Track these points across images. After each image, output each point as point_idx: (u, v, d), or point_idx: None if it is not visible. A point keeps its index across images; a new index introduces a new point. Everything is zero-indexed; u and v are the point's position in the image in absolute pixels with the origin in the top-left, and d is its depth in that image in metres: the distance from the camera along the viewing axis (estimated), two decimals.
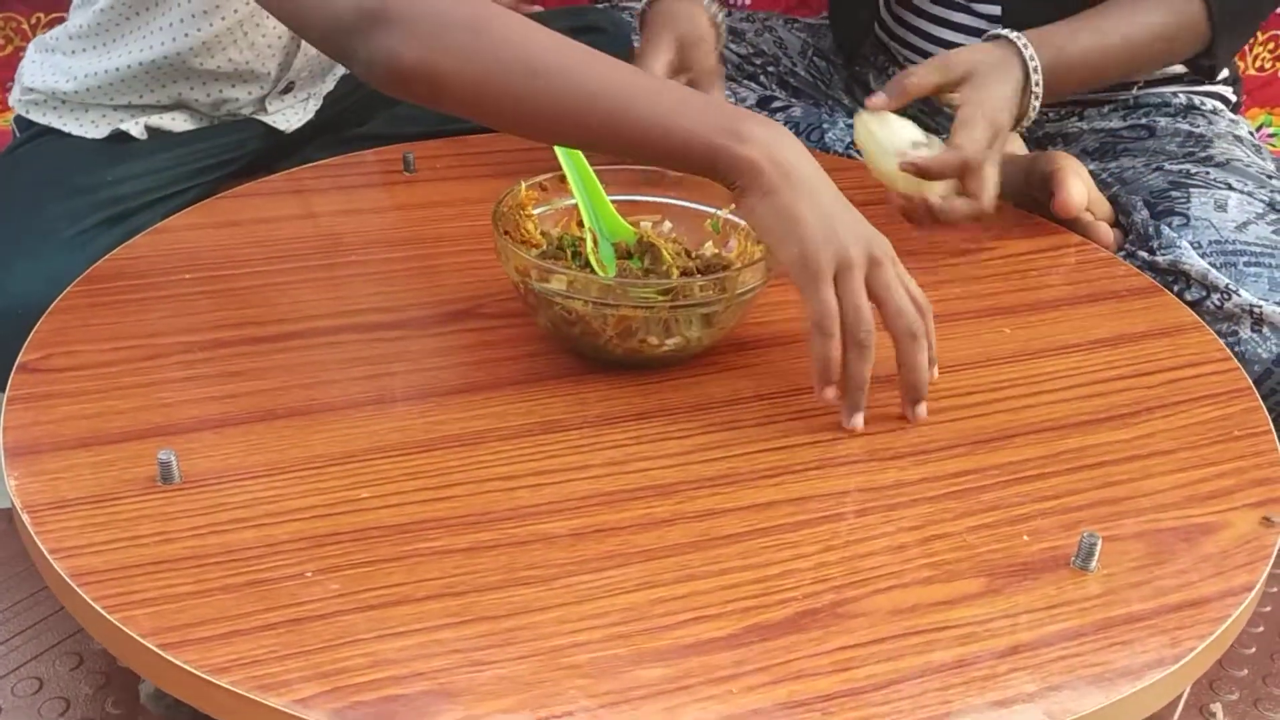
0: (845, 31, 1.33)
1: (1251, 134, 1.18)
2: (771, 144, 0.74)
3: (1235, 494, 0.70)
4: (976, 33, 1.18)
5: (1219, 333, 0.93)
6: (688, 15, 1.07)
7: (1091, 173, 1.10)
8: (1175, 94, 1.18)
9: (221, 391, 0.75)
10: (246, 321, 0.82)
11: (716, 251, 0.85)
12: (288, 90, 1.16)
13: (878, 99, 0.96)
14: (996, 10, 1.16)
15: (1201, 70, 1.16)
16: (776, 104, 1.24)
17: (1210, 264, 0.95)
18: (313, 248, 0.93)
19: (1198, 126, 1.14)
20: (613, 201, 0.85)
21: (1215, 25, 1.07)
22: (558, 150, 0.85)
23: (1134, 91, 1.20)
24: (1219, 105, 1.18)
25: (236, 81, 1.12)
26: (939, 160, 0.92)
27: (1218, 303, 0.94)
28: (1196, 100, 1.18)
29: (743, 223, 0.85)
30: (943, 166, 0.92)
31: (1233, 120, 1.17)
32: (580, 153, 0.85)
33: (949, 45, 1.21)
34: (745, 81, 1.28)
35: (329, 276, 0.89)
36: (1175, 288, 0.96)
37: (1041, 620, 0.60)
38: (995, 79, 0.98)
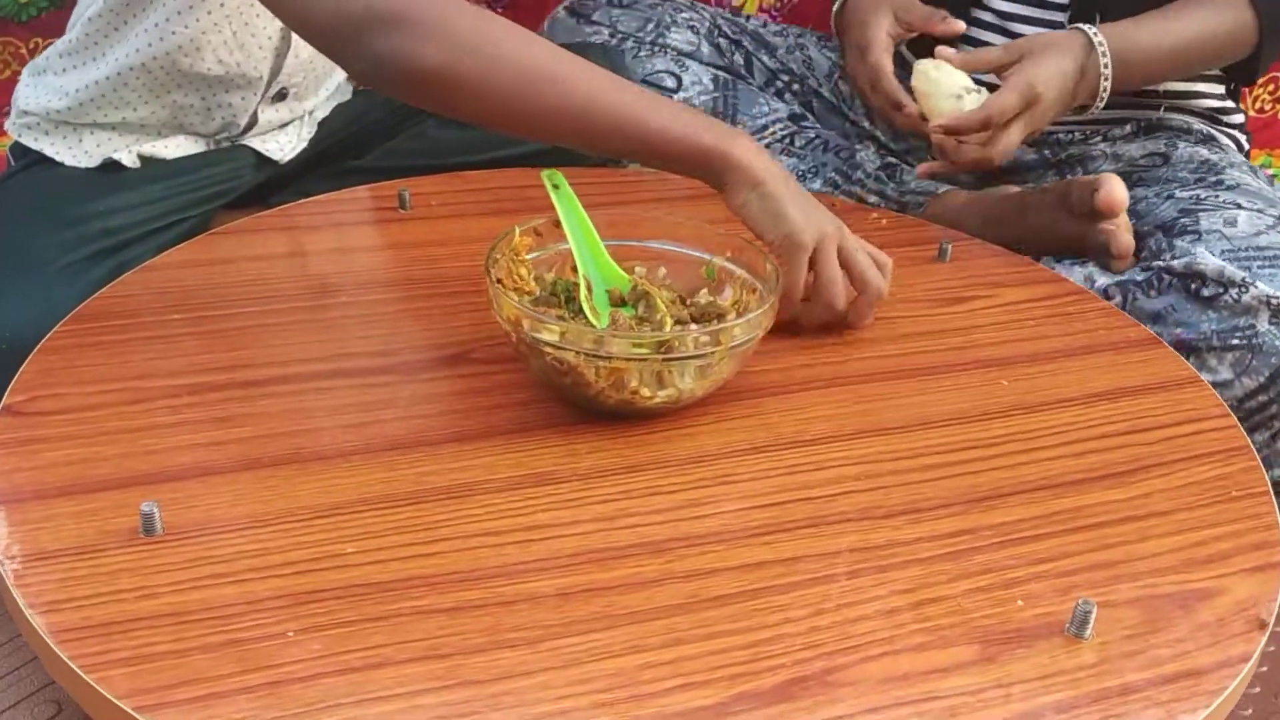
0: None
1: (1264, 170, 1.20)
2: (752, 149, 0.86)
3: (1233, 558, 0.69)
4: None
5: (1236, 327, 0.94)
6: None
7: None
8: (1195, 122, 1.20)
9: (207, 438, 0.74)
10: (235, 365, 0.81)
11: (711, 299, 0.85)
12: (281, 98, 1.15)
13: (949, 51, 1.12)
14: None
15: (1243, 76, 1.20)
16: (808, 121, 1.26)
17: (1224, 262, 0.96)
18: (304, 287, 0.92)
19: (1213, 154, 1.16)
20: (607, 246, 0.85)
21: (1263, 30, 1.11)
22: (553, 194, 0.84)
23: (1160, 113, 1.21)
24: (1237, 134, 1.21)
25: (229, 86, 1.11)
26: (965, 119, 1.07)
27: (1235, 296, 0.95)
28: (1214, 131, 1.20)
29: (738, 269, 0.84)
30: (967, 124, 1.07)
31: (1248, 153, 1.19)
32: (575, 197, 0.84)
33: None
34: (773, 96, 1.29)
35: (320, 318, 0.88)
36: (1192, 286, 0.97)
37: (1035, 690, 0.59)
38: (1050, 55, 1.08)
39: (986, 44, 1.28)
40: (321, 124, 1.24)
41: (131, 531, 0.65)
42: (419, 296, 0.92)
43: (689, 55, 1.27)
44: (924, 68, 1.13)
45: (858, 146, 1.23)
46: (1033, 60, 1.08)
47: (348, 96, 1.29)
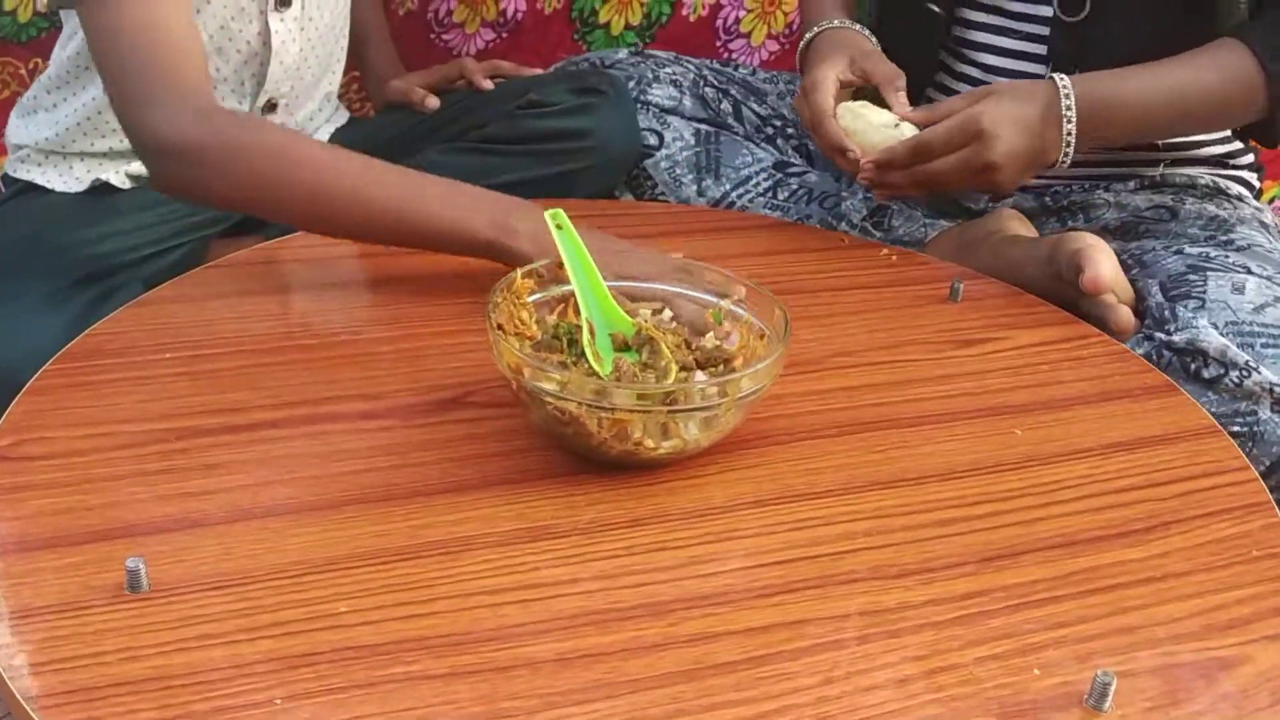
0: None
1: (1277, 222, 1.16)
2: (538, 232, 0.86)
3: (1254, 624, 0.67)
4: None
5: (1236, 412, 0.91)
6: (852, 37, 1.16)
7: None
8: (1201, 176, 1.16)
9: (197, 487, 0.71)
10: (227, 408, 0.79)
11: (718, 343, 0.82)
12: (271, 109, 1.13)
13: (910, 110, 1.08)
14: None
15: (1262, 138, 1.15)
16: (793, 169, 1.22)
17: (1228, 342, 0.93)
18: (298, 325, 0.90)
19: (1222, 209, 1.13)
20: (611, 288, 0.83)
21: (1272, 93, 1.04)
22: (556, 235, 0.82)
23: (1161, 170, 1.18)
24: (1244, 191, 1.17)
25: (214, 96, 1.09)
26: (896, 150, 1.04)
27: (1236, 380, 0.91)
28: (1223, 183, 1.16)
29: (745, 314, 0.82)
30: (899, 155, 1.04)
31: (1258, 207, 1.15)
32: (579, 238, 0.82)
33: None
34: (763, 144, 1.26)
35: (315, 358, 0.86)
36: (1193, 366, 0.94)
37: None
38: (1008, 98, 1.03)
39: None
40: None
41: (117, 587, 0.63)
42: (417, 335, 0.89)
43: (671, 111, 1.24)
44: (849, 106, 1.08)
45: (844, 194, 1.18)
46: (987, 99, 1.03)
47: (344, 121, 1.27)
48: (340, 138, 1.24)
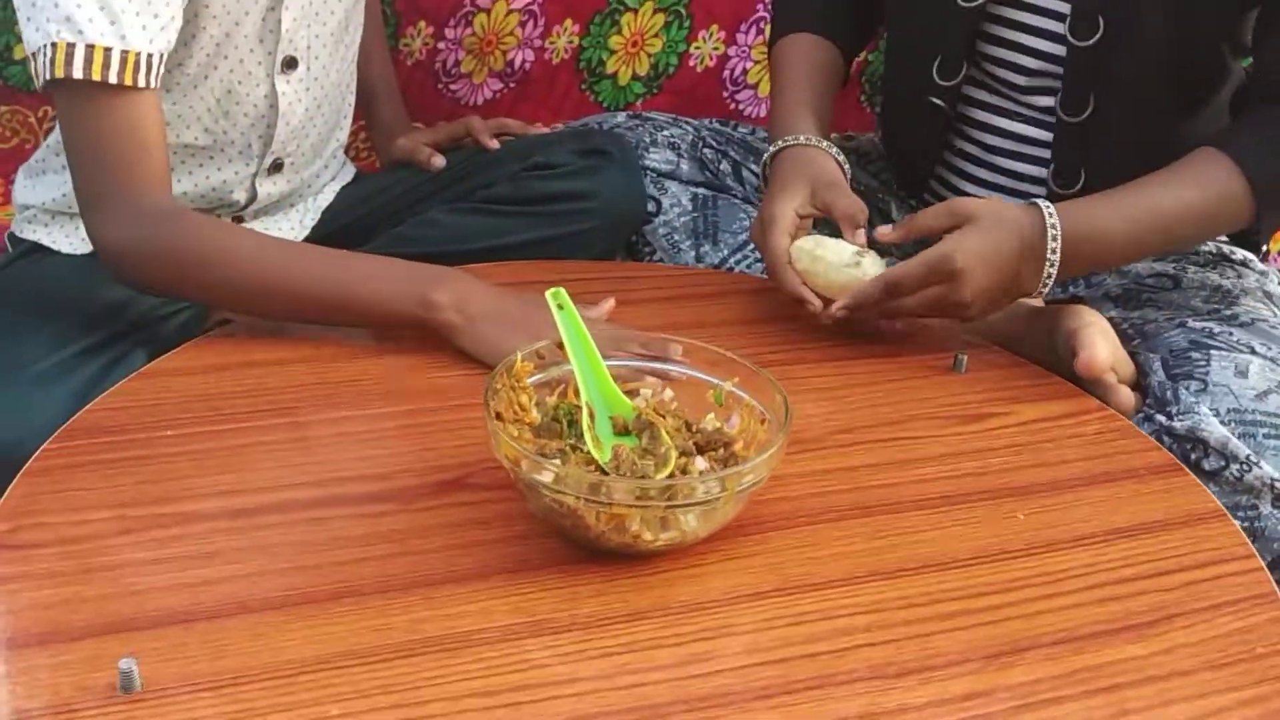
0: (910, 171, 1.30)
1: None
2: (459, 301, 0.93)
3: None
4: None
5: (1236, 505, 0.89)
6: (817, 160, 1.10)
7: (1113, 320, 1.07)
8: (1205, 244, 1.15)
9: (195, 576, 0.71)
10: (227, 489, 0.79)
11: (719, 425, 0.82)
12: (278, 169, 1.14)
13: (887, 231, 1.03)
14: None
15: (1248, 244, 1.13)
16: None
17: (1229, 433, 0.92)
18: (302, 398, 0.90)
19: (1226, 278, 1.11)
20: (612, 366, 0.82)
21: (1259, 201, 1.00)
22: (556, 315, 0.82)
23: None
24: (1250, 256, 1.16)
25: (219, 159, 1.10)
26: (863, 293, 0.98)
27: (1237, 474, 0.90)
28: (1226, 249, 1.15)
29: (746, 396, 0.82)
30: (866, 298, 0.98)
31: (1263, 273, 1.14)
32: (579, 318, 0.82)
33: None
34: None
35: (317, 435, 0.86)
36: (1193, 455, 0.93)
37: None
38: (986, 228, 0.97)
39: None
40: (326, 209, 1.22)
41: (110, 688, 0.62)
42: (421, 410, 0.89)
43: (668, 175, 1.24)
44: (804, 247, 1.01)
45: None
46: (964, 231, 0.97)
47: (350, 178, 1.27)
48: (346, 196, 1.24)
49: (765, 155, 1.15)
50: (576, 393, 0.81)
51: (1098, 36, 1.08)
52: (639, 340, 0.88)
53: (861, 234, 1.03)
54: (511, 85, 1.56)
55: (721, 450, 0.79)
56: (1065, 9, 1.10)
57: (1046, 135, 1.15)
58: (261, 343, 0.97)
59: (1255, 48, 1.10)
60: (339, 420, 0.87)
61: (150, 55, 0.92)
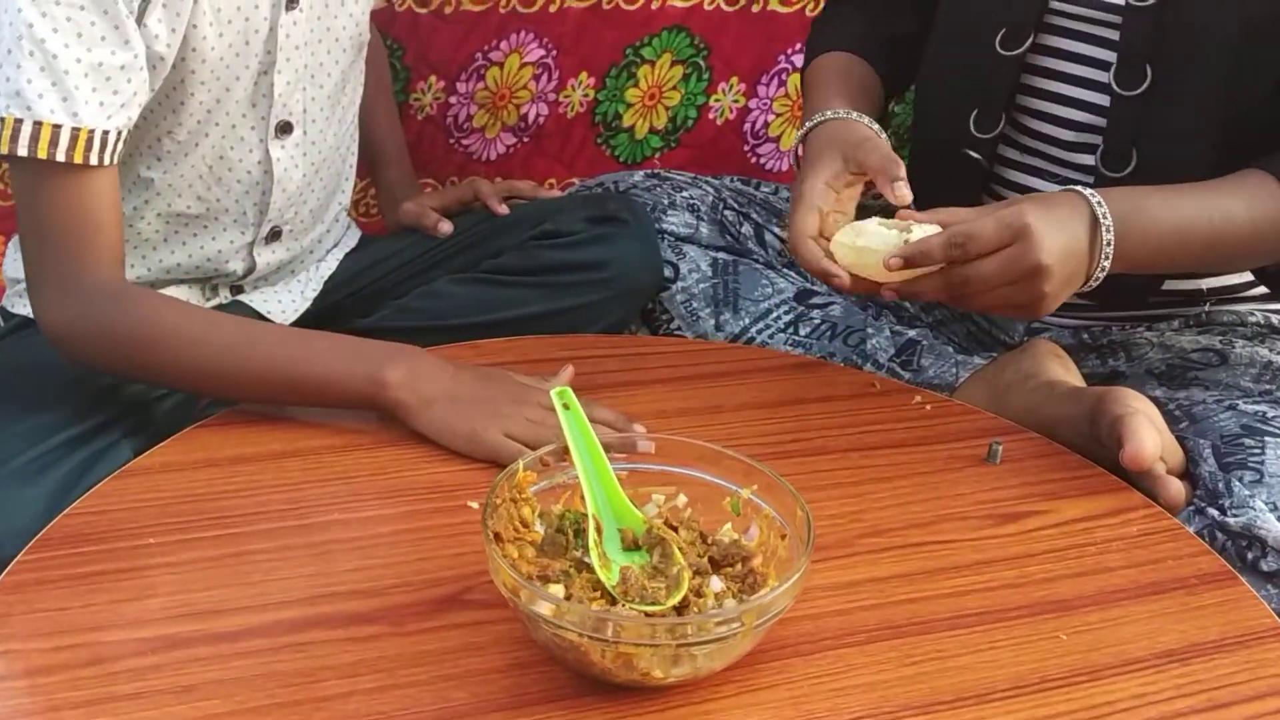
0: None
1: None
2: (411, 379, 0.90)
3: None
4: None
5: None
6: (846, 127, 1.06)
7: (1157, 400, 1.01)
8: (1251, 313, 1.09)
9: (169, 714, 0.66)
10: (209, 609, 0.73)
11: (736, 538, 0.76)
12: (276, 236, 1.09)
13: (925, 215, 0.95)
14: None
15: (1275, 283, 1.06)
16: (815, 299, 1.16)
17: None
18: (293, 499, 0.84)
19: (1276, 353, 1.05)
20: (623, 470, 0.77)
21: None
22: (561, 416, 0.77)
23: (1205, 307, 1.11)
24: None
25: (213, 228, 1.06)
26: (925, 244, 0.91)
27: None
28: (1275, 320, 1.08)
29: (765, 506, 0.76)
30: (929, 251, 0.91)
31: None
32: (586, 420, 0.77)
33: None
34: (786, 270, 1.20)
35: (307, 542, 0.80)
36: (1250, 555, 0.86)
37: None
38: (1048, 201, 0.94)
39: None
40: (330, 278, 1.17)
41: None
42: (419, 513, 0.84)
43: (687, 239, 1.19)
44: (843, 241, 0.95)
45: (870, 329, 1.11)
46: (1023, 202, 0.93)
47: (354, 243, 1.22)
48: (350, 264, 1.19)
49: (795, 140, 1.10)
50: (583, 500, 0.76)
51: (1145, 85, 1.03)
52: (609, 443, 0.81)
53: (904, 189, 0.95)
54: (525, 140, 1.52)
55: (739, 566, 0.73)
56: (1111, 57, 1.05)
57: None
58: (253, 431, 0.92)
59: None
60: (331, 525, 0.82)
61: (106, 133, 0.89)
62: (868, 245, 0.94)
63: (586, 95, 1.50)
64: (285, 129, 1.04)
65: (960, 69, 1.14)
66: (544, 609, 0.65)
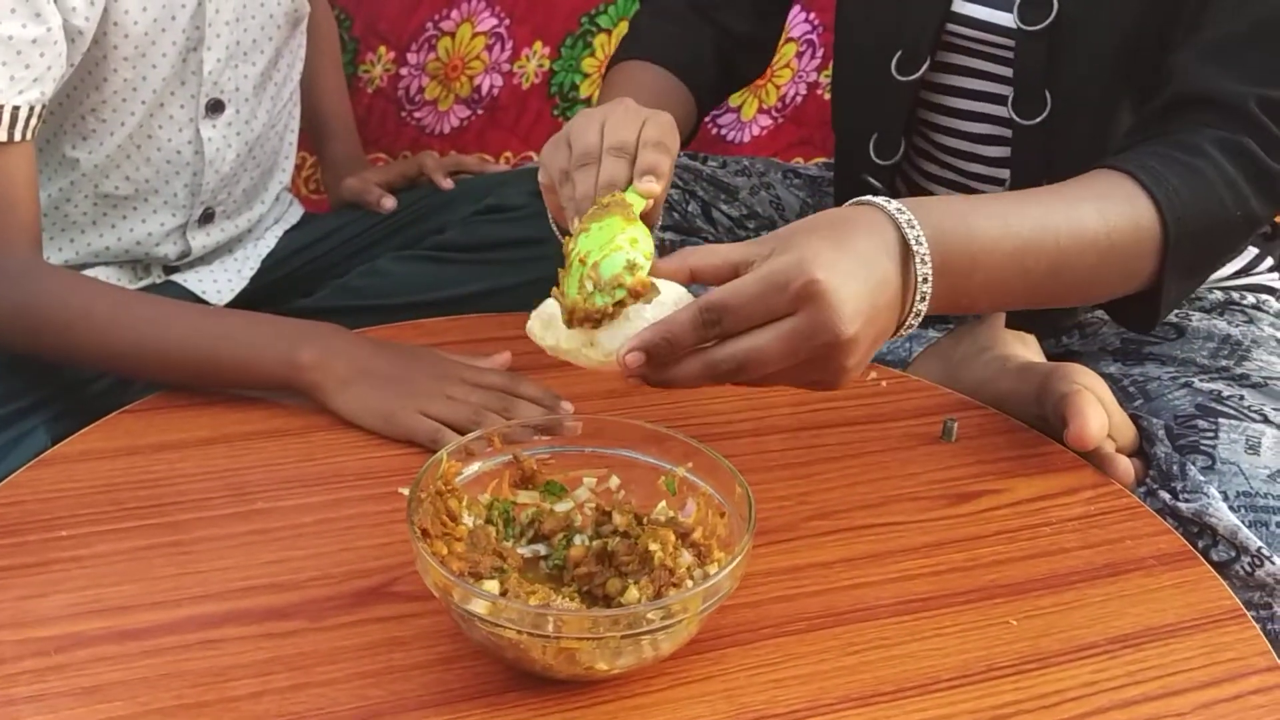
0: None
1: None
2: (325, 359, 0.86)
3: None
4: None
5: (1249, 603, 0.80)
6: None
7: (1112, 377, 0.98)
8: (1210, 290, 1.05)
9: (68, 719, 0.63)
10: (118, 605, 0.70)
11: (673, 515, 0.73)
12: (209, 219, 1.05)
13: (665, 262, 0.69)
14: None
15: (1132, 322, 0.88)
16: None
17: (1239, 519, 0.82)
18: (217, 487, 0.81)
19: (1235, 326, 1.01)
20: (550, 454, 0.74)
21: (1168, 236, 0.79)
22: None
23: None
24: (1263, 298, 1.05)
25: (143, 210, 1.02)
26: (669, 324, 0.64)
27: (1248, 568, 0.81)
28: (1235, 294, 1.05)
29: (702, 484, 0.73)
30: (677, 329, 0.64)
31: (1278, 315, 1.03)
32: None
33: None
34: None
35: (225, 534, 0.77)
36: (1200, 543, 0.83)
37: None
38: (834, 232, 0.67)
39: None
40: (268, 257, 1.14)
41: None
42: (346, 500, 0.80)
43: None
44: (533, 325, 0.72)
45: None
46: (814, 238, 0.66)
47: (295, 220, 1.18)
48: (290, 241, 1.16)
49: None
50: (513, 485, 0.73)
51: (1044, 114, 0.97)
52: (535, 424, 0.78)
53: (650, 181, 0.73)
54: (479, 112, 1.48)
55: (681, 541, 0.70)
56: (1009, 76, 0.98)
57: None
58: (181, 416, 0.88)
59: (1170, 52, 0.89)
60: (252, 515, 0.79)
61: (17, 108, 0.85)
62: (560, 345, 0.69)
63: (542, 66, 1.46)
64: (216, 108, 1.00)
65: (858, 94, 1.09)
66: (479, 607, 0.62)
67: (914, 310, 0.70)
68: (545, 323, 0.70)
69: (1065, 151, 0.97)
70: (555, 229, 0.86)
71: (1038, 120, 0.96)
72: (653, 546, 0.67)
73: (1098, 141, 0.95)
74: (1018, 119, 0.98)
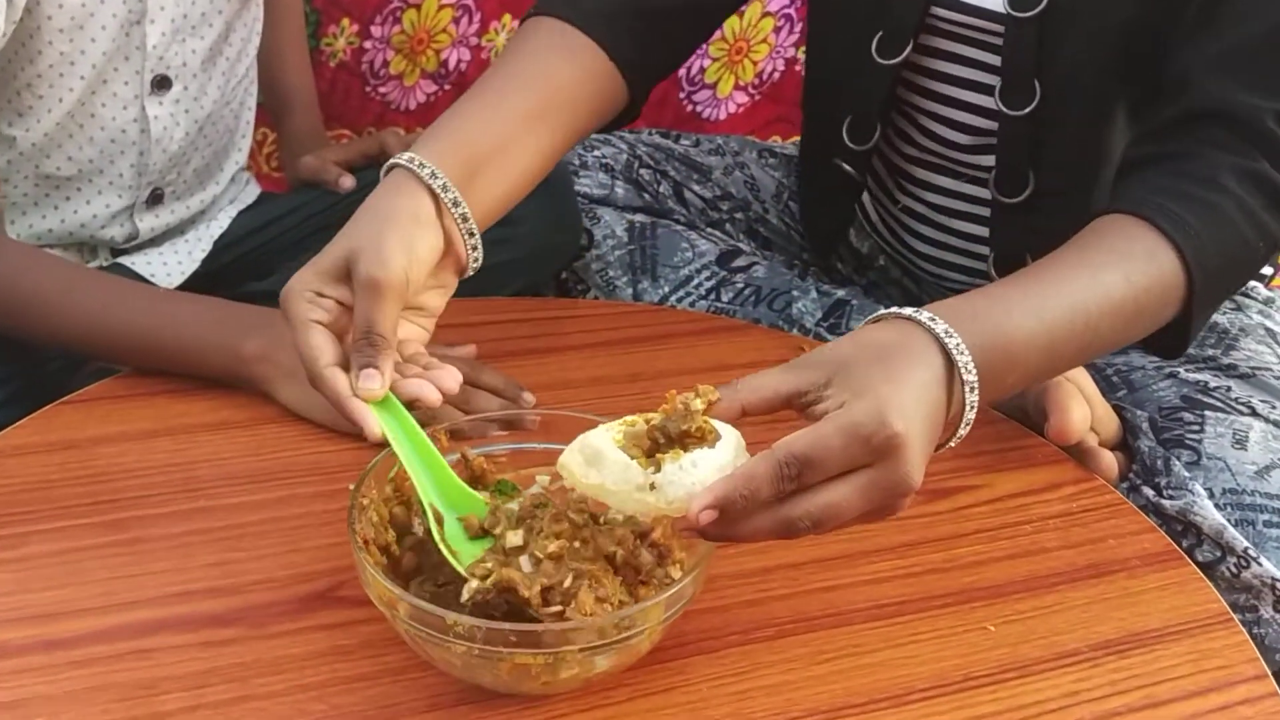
0: (817, 233, 1.15)
1: None
2: (270, 349, 0.81)
3: None
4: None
5: (1234, 605, 0.77)
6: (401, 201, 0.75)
7: (1095, 366, 0.95)
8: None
9: None
10: (48, 612, 0.66)
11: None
12: (157, 200, 1.01)
13: (720, 402, 0.63)
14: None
15: (1158, 351, 0.85)
16: (739, 261, 1.08)
17: (1225, 518, 0.79)
18: (158, 483, 0.77)
19: (1222, 314, 0.98)
20: (507, 451, 0.71)
21: (1193, 284, 0.75)
22: (372, 406, 0.67)
23: None
24: (1251, 284, 1.01)
25: (87, 190, 0.97)
26: (733, 482, 0.58)
27: (1234, 569, 0.78)
28: None
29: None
30: (743, 488, 0.58)
31: (1267, 302, 1.00)
32: (398, 402, 0.68)
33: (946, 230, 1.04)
34: (709, 230, 1.12)
35: (166, 534, 0.73)
36: (1185, 542, 0.80)
37: None
38: (891, 366, 0.63)
39: (916, 272, 1.07)
40: (220, 238, 1.09)
41: None
42: (295, 498, 0.77)
43: (601, 201, 1.10)
44: (573, 467, 0.62)
45: (796, 291, 1.03)
46: (885, 385, 0.61)
47: (253, 199, 1.14)
48: (244, 222, 1.11)
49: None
50: (466, 469, 0.69)
51: (1034, 104, 0.92)
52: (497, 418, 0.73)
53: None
54: (446, 87, 1.43)
55: (640, 541, 0.67)
56: (997, 63, 0.93)
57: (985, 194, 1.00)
58: (124, 407, 0.84)
59: (1174, 49, 0.85)
60: (194, 514, 0.75)
61: None
62: (602, 481, 0.60)
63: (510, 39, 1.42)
64: (162, 84, 0.96)
65: (835, 76, 1.04)
66: (424, 623, 0.58)
67: (957, 435, 0.68)
68: (590, 457, 0.61)
69: (1053, 142, 0.93)
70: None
71: (1026, 111, 0.92)
72: (611, 548, 0.64)
73: (1087, 134, 0.91)
74: (1005, 109, 0.93)
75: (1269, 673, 0.68)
